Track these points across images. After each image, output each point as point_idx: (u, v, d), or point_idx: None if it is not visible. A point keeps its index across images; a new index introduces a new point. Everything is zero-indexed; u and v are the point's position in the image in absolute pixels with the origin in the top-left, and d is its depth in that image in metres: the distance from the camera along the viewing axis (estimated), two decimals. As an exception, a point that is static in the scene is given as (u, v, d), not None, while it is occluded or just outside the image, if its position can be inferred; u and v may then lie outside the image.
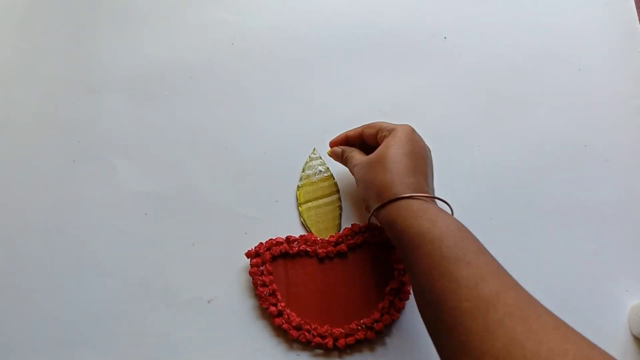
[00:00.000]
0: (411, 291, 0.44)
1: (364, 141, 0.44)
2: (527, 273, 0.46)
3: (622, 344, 0.44)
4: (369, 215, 0.40)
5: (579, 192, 0.48)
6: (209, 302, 0.46)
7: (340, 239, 0.46)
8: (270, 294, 0.44)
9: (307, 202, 0.48)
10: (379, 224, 0.45)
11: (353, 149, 0.45)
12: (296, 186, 0.49)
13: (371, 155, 0.40)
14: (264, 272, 0.45)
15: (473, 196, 0.48)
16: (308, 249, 0.46)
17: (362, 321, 0.44)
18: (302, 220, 0.48)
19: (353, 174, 0.43)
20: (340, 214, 0.48)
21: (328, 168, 0.49)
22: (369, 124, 0.44)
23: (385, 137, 0.41)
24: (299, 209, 0.48)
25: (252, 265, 0.45)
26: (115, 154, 0.51)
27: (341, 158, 0.46)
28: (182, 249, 0.47)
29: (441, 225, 0.34)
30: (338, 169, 0.49)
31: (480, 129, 0.50)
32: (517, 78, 0.51)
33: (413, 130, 0.41)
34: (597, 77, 0.51)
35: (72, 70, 0.54)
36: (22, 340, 0.46)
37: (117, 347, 0.45)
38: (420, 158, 0.39)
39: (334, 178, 0.49)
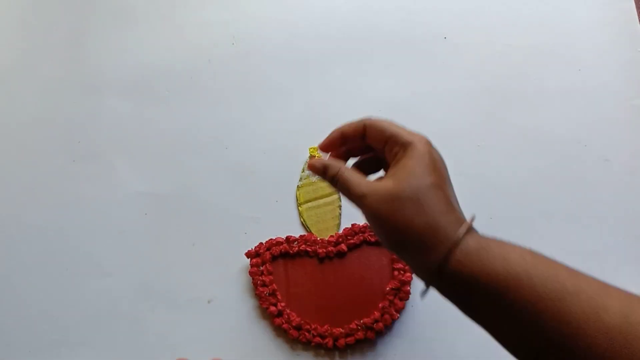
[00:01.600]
0: (411, 291, 0.44)
1: (365, 141, 0.35)
2: (527, 273, 0.46)
3: (622, 344, 0.44)
4: (427, 281, 0.30)
5: (579, 192, 0.48)
6: (209, 302, 0.46)
7: (340, 239, 0.46)
8: (270, 294, 0.44)
9: (307, 202, 0.48)
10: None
11: (343, 165, 0.34)
12: (296, 186, 0.49)
13: (389, 184, 0.30)
14: (264, 272, 0.45)
15: (473, 196, 0.48)
16: (308, 249, 0.46)
17: (362, 321, 0.44)
18: (302, 220, 0.48)
19: (358, 206, 0.32)
20: (340, 214, 0.48)
21: (328, 168, 0.49)
22: (373, 121, 0.34)
23: (398, 153, 0.32)
24: (299, 209, 0.48)
25: (252, 265, 0.45)
26: (115, 154, 0.51)
27: (326, 174, 0.34)
28: (182, 249, 0.47)
29: (515, 259, 0.28)
30: (338, 169, 0.49)
31: (480, 129, 0.50)
32: (517, 78, 0.51)
33: (432, 144, 0.33)
34: (597, 77, 0.51)
35: (72, 70, 0.54)
36: (22, 340, 0.46)
37: (117, 347, 0.45)
38: (448, 181, 0.32)
39: (334, 178, 0.49)
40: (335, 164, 0.34)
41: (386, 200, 0.30)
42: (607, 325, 0.25)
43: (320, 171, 0.34)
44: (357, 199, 0.32)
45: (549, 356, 0.27)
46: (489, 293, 0.28)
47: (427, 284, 0.30)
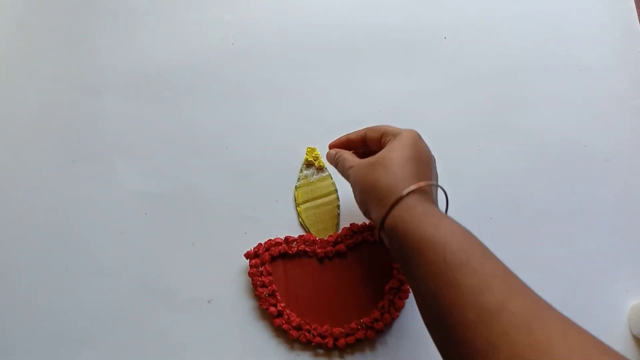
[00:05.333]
0: (410, 290, 0.44)
1: (367, 145, 0.43)
2: (527, 273, 0.46)
3: (622, 344, 0.44)
4: (377, 227, 0.36)
5: (579, 192, 0.48)
6: (209, 302, 0.46)
7: (339, 239, 0.46)
8: (269, 295, 0.44)
9: (305, 202, 0.48)
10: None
11: (345, 151, 0.43)
12: (294, 186, 0.49)
13: (372, 157, 0.38)
14: (264, 273, 0.45)
15: (473, 196, 0.48)
16: (307, 249, 0.46)
17: (362, 320, 0.44)
18: (300, 220, 0.48)
19: (347, 176, 0.41)
20: (339, 214, 0.48)
21: (326, 168, 0.49)
22: (372, 126, 0.42)
23: (389, 141, 0.39)
24: (297, 209, 0.48)
25: (251, 266, 0.45)
26: (115, 154, 0.51)
27: (333, 160, 0.43)
28: (182, 249, 0.47)
29: (445, 229, 0.32)
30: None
31: (480, 129, 0.50)
32: (517, 78, 0.51)
33: (419, 136, 0.39)
34: (597, 77, 0.51)
35: (72, 70, 0.54)
36: (22, 340, 0.46)
37: (117, 347, 0.45)
38: (425, 164, 0.37)
39: (332, 178, 0.49)
40: (340, 150, 0.43)
41: (364, 167, 0.38)
42: (483, 303, 0.28)
43: (331, 156, 0.44)
44: (346, 170, 0.40)
45: (434, 315, 0.31)
46: (409, 249, 0.32)
47: (378, 233, 0.37)
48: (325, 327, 0.44)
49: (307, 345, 0.44)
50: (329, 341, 0.43)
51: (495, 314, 0.27)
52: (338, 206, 0.48)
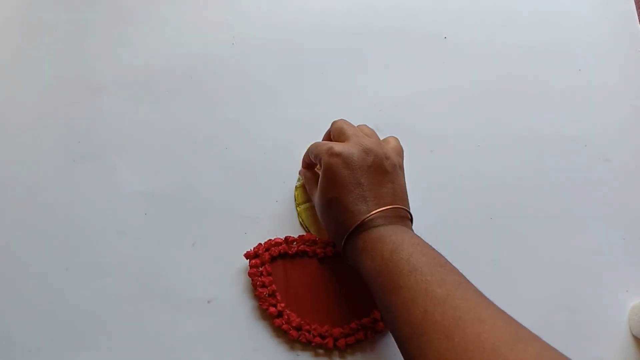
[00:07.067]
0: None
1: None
2: (527, 273, 0.46)
3: (622, 344, 0.44)
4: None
5: (579, 192, 0.48)
6: (209, 302, 0.46)
7: (339, 239, 0.46)
8: (269, 295, 0.44)
9: (305, 202, 0.48)
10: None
11: (308, 176, 0.46)
12: (294, 186, 0.49)
13: (314, 198, 0.43)
14: (263, 273, 0.45)
15: (473, 196, 0.48)
16: (307, 249, 0.46)
17: (362, 321, 0.43)
18: (300, 220, 0.48)
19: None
20: (340, 214, 0.48)
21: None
22: (314, 145, 0.43)
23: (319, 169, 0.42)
24: (297, 209, 0.48)
25: (251, 266, 0.45)
26: (115, 154, 0.51)
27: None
28: (182, 249, 0.47)
29: (375, 257, 0.36)
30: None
31: (480, 129, 0.50)
32: (517, 78, 0.51)
33: (335, 153, 0.39)
34: (597, 77, 0.51)
35: (72, 70, 0.54)
36: (22, 340, 0.46)
37: (117, 347, 0.45)
38: (349, 187, 0.39)
39: (333, 178, 0.49)
40: (305, 174, 0.47)
41: (315, 207, 0.44)
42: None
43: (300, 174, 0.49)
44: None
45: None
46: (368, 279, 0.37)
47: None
48: (325, 327, 0.44)
49: (307, 345, 0.44)
50: (329, 341, 0.43)
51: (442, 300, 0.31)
52: (338, 206, 0.48)
